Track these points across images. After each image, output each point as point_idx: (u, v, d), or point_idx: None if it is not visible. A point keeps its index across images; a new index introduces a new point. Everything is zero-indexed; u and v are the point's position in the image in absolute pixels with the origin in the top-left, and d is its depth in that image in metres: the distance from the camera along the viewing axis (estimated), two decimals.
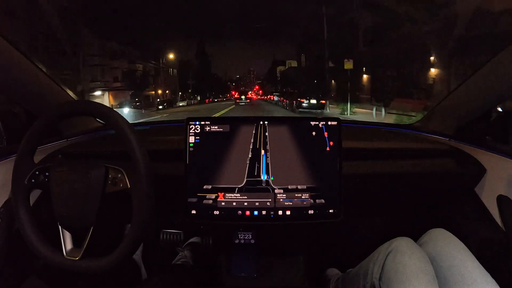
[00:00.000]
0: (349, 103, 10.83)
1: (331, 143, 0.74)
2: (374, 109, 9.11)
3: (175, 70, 19.51)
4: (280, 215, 0.74)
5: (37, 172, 0.62)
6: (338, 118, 0.77)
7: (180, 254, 1.10)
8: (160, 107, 15.83)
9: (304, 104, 11.62)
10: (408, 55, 10.17)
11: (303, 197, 0.74)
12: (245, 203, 0.73)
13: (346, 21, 13.27)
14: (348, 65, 11.62)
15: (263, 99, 22.73)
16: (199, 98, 20.87)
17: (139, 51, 15.88)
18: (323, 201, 0.74)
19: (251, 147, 0.74)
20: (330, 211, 0.74)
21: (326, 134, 0.75)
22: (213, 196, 0.73)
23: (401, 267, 0.58)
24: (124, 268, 0.98)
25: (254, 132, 0.75)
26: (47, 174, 0.61)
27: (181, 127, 0.76)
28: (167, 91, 18.18)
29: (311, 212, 0.74)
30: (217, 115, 8.03)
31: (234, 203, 0.73)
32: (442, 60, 8.30)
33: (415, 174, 0.86)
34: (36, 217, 0.63)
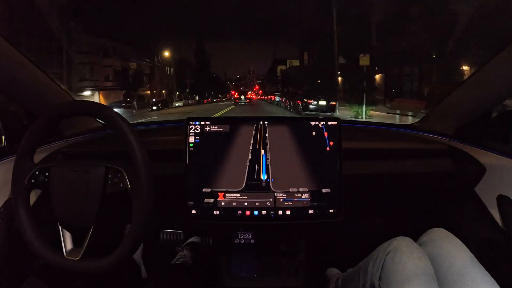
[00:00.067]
0: (364, 105, 9.35)
1: (331, 143, 0.74)
2: (398, 115, 8.07)
3: (172, 69, 18.77)
4: (280, 215, 0.74)
5: (37, 172, 0.62)
6: (338, 118, 0.77)
7: (180, 254, 1.10)
8: (155, 107, 15.06)
9: (311, 106, 10.00)
10: (430, 50, 8.94)
11: (303, 197, 0.73)
12: (245, 203, 0.73)
13: (357, 12, 11.77)
14: (364, 60, 9.91)
15: (263, 99, 22.43)
16: (197, 98, 20.19)
17: (133, 48, 15.17)
18: (323, 201, 0.74)
19: (251, 147, 0.74)
20: (330, 211, 0.74)
21: (326, 134, 0.75)
22: (213, 196, 0.74)
23: (401, 266, 0.58)
24: (124, 268, 0.98)
25: (254, 132, 0.75)
26: (47, 174, 0.61)
27: (181, 127, 0.76)
28: (163, 91, 17.55)
29: (311, 212, 0.74)
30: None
31: (234, 203, 0.73)
32: (475, 56, 7.07)
33: (415, 174, 0.86)
34: (36, 217, 0.62)
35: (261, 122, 0.75)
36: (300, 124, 0.76)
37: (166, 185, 0.73)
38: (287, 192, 0.74)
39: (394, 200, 1.01)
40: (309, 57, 17.62)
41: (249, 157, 0.74)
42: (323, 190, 0.74)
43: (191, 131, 0.75)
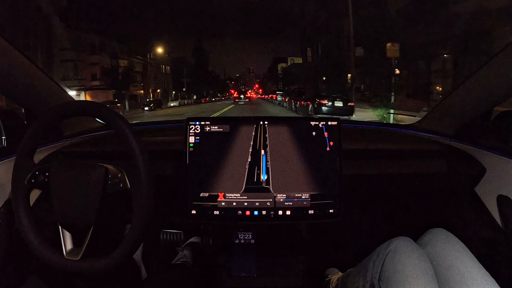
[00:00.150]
0: (392, 109, 7.00)
1: (331, 143, 0.74)
2: None
3: (168, 67, 17.78)
4: (280, 215, 0.74)
5: (37, 172, 0.62)
6: (338, 118, 0.77)
7: (180, 254, 1.10)
8: (146, 108, 13.99)
9: (325, 108, 8.17)
10: (468, 42, 7.20)
11: (303, 197, 0.73)
12: (245, 203, 0.73)
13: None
14: (393, 51, 7.77)
15: (263, 98, 22.12)
16: (195, 97, 19.40)
17: (126, 45, 13.99)
18: (323, 201, 0.74)
19: (251, 147, 0.74)
20: (330, 211, 0.74)
21: (326, 134, 0.75)
22: (213, 196, 0.73)
23: (400, 266, 0.58)
24: (124, 268, 0.98)
25: (254, 132, 0.75)
26: (47, 174, 0.61)
27: (181, 127, 0.76)
28: (158, 90, 16.58)
29: (311, 212, 0.74)
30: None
31: (234, 203, 0.73)
32: None
33: (415, 174, 0.86)
34: (36, 217, 0.62)
35: (261, 122, 0.75)
36: (300, 124, 0.75)
37: (166, 185, 0.73)
38: (287, 192, 0.74)
39: (394, 200, 1.01)
40: (313, 53, 16.31)
41: (249, 157, 0.74)
42: (323, 190, 0.74)
43: (191, 131, 0.75)
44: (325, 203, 0.74)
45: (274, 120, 0.75)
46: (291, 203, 0.74)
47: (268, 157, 0.74)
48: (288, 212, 0.74)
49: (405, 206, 1.05)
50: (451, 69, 8.07)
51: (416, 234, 0.70)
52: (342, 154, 0.74)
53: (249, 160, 0.74)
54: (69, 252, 0.60)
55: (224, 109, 13.20)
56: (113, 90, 13.24)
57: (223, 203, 0.74)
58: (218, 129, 0.75)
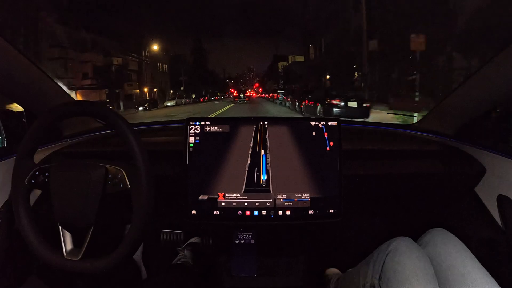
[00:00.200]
0: (415, 112, 6.02)
1: (331, 143, 0.74)
2: None
3: (165, 66, 17.04)
4: (280, 215, 0.74)
5: (37, 173, 0.62)
6: (338, 118, 0.77)
7: (180, 254, 1.11)
8: (141, 108, 13.20)
9: (336, 109, 7.07)
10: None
11: (303, 197, 0.73)
12: (245, 203, 0.73)
13: None
14: (418, 43, 6.33)
15: (263, 97, 21.91)
16: (193, 96, 18.70)
17: (119, 42, 13.04)
18: (323, 201, 0.74)
19: (251, 147, 0.74)
20: (330, 211, 0.74)
21: (326, 134, 0.75)
22: (213, 196, 0.73)
23: (400, 266, 0.58)
24: (124, 268, 0.98)
25: (254, 132, 0.75)
26: (47, 174, 0.61)
27: (181, 127, 0.76)
28: (155, 89, 15.86)
29: (311, 212, 0.74)
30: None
31: (234, 203, 0.73)
32: None
33: (415, 174, 0.86)
34: (36, 217, 0.62)
35: (261, 122, 0.75)
36: (300, 124, 0.75)
37: (166, 185, 0.73)
38: (287, 192, 0.74)
39: (394, 200, 1.01)
40: (316, 50, 15.45)
41: (249, 157, 0.74)
42: (323, 191, 0.74)
43: (191, 131, 0.75)
44: (325, 203, 0.74)
45: (274, 120, 0.75)
46: (291, 203, 0.74)
47: (268, 157, 0.74)
48: (288, 212, 0.74)
49: (405, 206, 1.05)
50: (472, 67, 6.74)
51: (416, 234, 0.70)
52: (342, 154, 0.74)
53: (249, 160, 0.74)
54: (69, 252, 0.60)
55: (222, 109, 12.35)
56: (106, 90, 12.58)
57: (223, 203, 0.74)
58: (218, 129, 0.75)
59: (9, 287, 0.71)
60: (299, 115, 8.77)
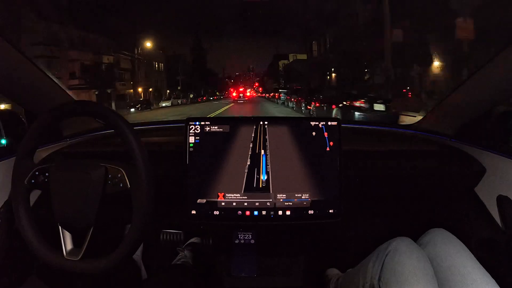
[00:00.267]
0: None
1: (331, 143, 0.74)
2: None
3: (161, 64, 16.25)
4: (280, 215, 0.74)
5: (37, 173, 0.62)
6: (338, 118, 0.77)
7: (180, 254, 1.10)
8: (133, 110, 12.51)
9: (359, 113, 5.67)
10: None
11: (303, 197, 0.73)
12: (245, 203, 0.73)
13: None
14: (466, 29, 4.77)
15: (263, 97, 21.65)
16: (191, 96, 17.86)
17: (109, 39, 12.23)
18: (323, 201, 0.74)
19: (251, 147, 0.74)
20: (330, 211, 0.74)
21: (326, 134, 0.75)
22: (213, 196, 0.73)
23: (400, 267, 0.58)
24: (124, 268, 0.98)
25: (254, 132, 0.75)
26: (47, 174, 0.61)
27: (181, 127, 0.76)
28: (150, 89, 15.13)
29: (311, 212, 0.74)
30: None
31: (234, 203, 0.73)
32: None
33: (415, 174, 0.86)
34: (36, 217, 0.62)
35: (261, 122, 0.75)
36: (300, 124, 0.75)
37: (166, 185, 0.73)
38: (287, 192, 0.74)
39: (394, 200, 1.01)
40: (320, 47, 14.43)
41: (249, 158, 0.74)
42: (323, 191, 0.74)
43: (191, 131, 0.75)
44: (325, 203, 0.74)
45: (274, 120, 0.75)
46: (291, 203, 0.74)
47: (268, 157, 0.74)
48: (288, 212, 0.74)
49: (405, 206, 1.05)
50: None
51: (416, 234, 0.70)
52: (342, 154, 0.74)
53: (249, 160, 0.74)
54: (69, 252, 0.60)
55: (220, 110, 11.72)
56: (94, 90, 11.88)
57: (223, 203, 0.74)
58: (218, 129, 0.75)
59: (9, 287, 0.71)
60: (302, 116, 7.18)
